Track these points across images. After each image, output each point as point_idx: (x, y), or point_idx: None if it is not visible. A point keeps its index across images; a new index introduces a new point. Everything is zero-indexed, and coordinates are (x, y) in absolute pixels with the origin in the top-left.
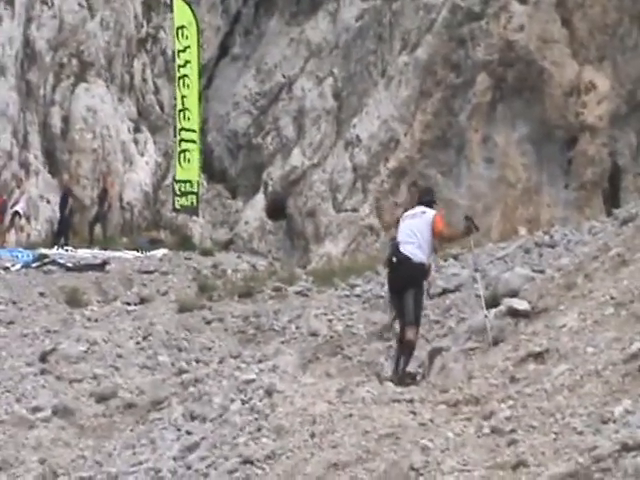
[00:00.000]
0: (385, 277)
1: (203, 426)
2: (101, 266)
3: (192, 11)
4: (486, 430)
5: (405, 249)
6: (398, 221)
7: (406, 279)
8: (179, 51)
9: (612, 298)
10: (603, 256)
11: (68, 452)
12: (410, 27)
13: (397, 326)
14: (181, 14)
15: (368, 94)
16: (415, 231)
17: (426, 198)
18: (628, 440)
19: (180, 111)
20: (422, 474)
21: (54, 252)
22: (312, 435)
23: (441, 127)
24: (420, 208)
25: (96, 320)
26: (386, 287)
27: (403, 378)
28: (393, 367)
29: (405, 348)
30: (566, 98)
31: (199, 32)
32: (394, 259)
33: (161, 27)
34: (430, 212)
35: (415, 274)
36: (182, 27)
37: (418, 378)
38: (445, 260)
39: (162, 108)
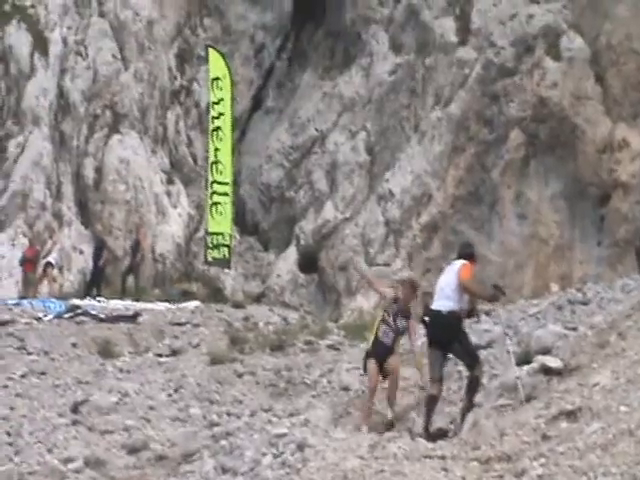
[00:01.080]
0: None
1: None
2: (133, 317)
3: (226, 63)
4: None
5: (435, 305)
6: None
7: (443, 333)
8: (213, 103)
9: None
10: (636, 314)
11: None
12: (443, 82)
13: (429, 383)
14: (216, 66)
15: (401, 149)
16: (444, 285)
17: (465, 251)
18: None
19: (213, 163)
20: None
21: (86, 303)
22: None
23: (474, 182)
24: (453, 265)
25: (128, 371)
26: (427, 346)
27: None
28: (424, 423)
29: (471, 385)
30: (599, 155)
31: (233, 84)
32: (426, 317)
33: (194, 79)
34: (460, 262)
35: (450, 325)
36: (217, 79)
37: (450, 434)
38: (476, 316)
39: (195, 160)
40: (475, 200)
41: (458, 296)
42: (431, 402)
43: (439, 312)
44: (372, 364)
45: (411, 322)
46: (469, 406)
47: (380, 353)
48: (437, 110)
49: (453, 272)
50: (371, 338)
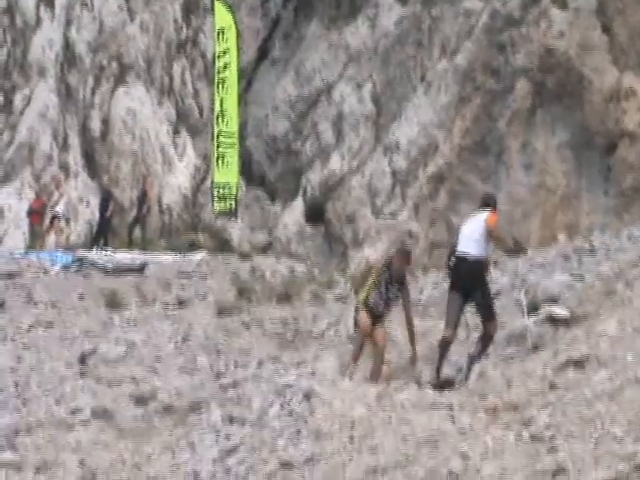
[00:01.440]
0: (447, 280)
1: (242, 429)
2: (140, 269)
3: (232, 14)
4: (525, 437)
5: (461, 250)
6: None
7: (469, 278)
8: (219, 54)
9: None
10: None
11: (107, 454)
12: (449, 33)
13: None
14: (221, 17)
15: (407, 99)
16: (469, 232)
17: (487, 202)
18: None
19: (219, 115)
20: (461, 479)
21: (93, 254)
22: (351, 439)
23: (480, 133)
24: (479, 212)
25: (135, 322)
26: (448, 290)
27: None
28: (436, 368)
29: (484, 339)
30: (606, 104)
31: (239, 35)
32: (452, 261)
33: (200, 30)
34: (484, 213)
35: (476, 271)
36: (222, 30)
37: (457, 384)
38: None
39: (201, 111)
40: (482, 150)
41: (484, 244)
42: (444, 346)
43: (465, 258)
44: (364, 314)
45: (405, 290)
46: (477, 358)
47: (371, 314)
48: (443, 61)
49: (480, 220)
50: (361, 296)
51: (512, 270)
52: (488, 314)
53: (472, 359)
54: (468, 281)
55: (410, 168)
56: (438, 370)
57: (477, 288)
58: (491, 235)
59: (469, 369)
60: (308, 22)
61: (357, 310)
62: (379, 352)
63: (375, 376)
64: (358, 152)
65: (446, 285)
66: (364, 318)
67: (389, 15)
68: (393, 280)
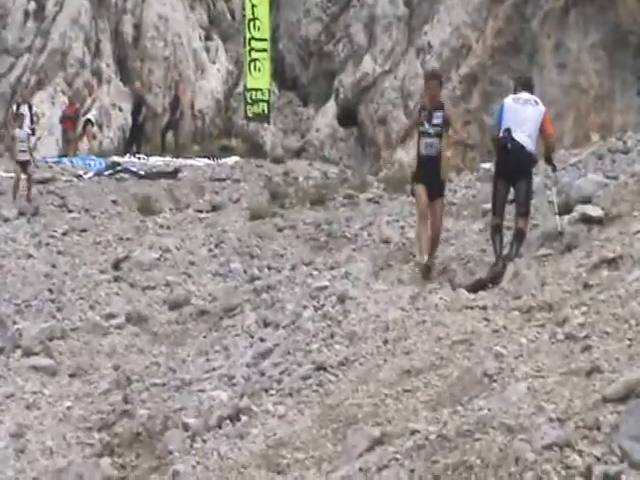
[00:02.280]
0: (494, 163)
1: (276, 333)
2: (173, 174)
3: None
4: (560, 336)
5: (519, 137)
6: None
7: (519, 167)
8: None
9: None
10: None
11: (142, 359)
12: None
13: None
14: None
15: (439, 1)
16: (526, 120)
17: (530, 84)
18: None
19: (250, 20)
20: (495, 380)
21: (126, 160)
22: (385, 341)
23: (513, 33)
24: (527, 95)
25: (168, 227)
26: (494, 178)
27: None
28: (499, 254)
29: (518, 236)
30: (639, 4)
31: None
32: (508, 146)
33: None
34: (541, 106)
35: (527, 163)
36: None
37: (491, 284)
38: None
39: (233, 16)
40: (514, 51)
41: (537, 140)
42: (496, 232)
43: (523, 146)
44: (420, 188)
45: (447, 110)
46: (512, 256)
47: (428, 171)
48: None
49: (537, 115)
50: (414, 158)
51: (545, 170)
52: (525, 210)
53: (506, 259)
54: (519, 169)
55: (443, 69)
56: (498, 257)
57: (523, 178)
58: (544, 138)
59: (503, 269)
60: None
61: (413, 179)
62: (436, 225)
63: (432, 245)
64: (390, 54)
65: (480, 185)
66: (420, 193)
67: None
68: (433, 110)
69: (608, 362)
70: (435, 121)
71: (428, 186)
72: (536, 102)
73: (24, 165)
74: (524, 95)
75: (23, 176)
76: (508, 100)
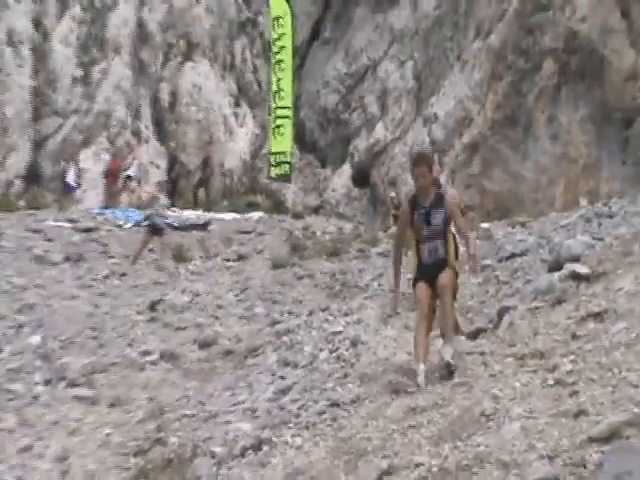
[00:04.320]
0: None
1: (295, 372)
2: (204, 226)
3: (288, 2)
4: (550, 382)
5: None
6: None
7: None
8: (275, 39)
9: None
10: None
11: (174, 392)
12: (483, 16)
13: None
14: (277, 6)
15: (445, 76)
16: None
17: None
18: None
19: (275, 92)
20: (492, 419)
21: (161, 213)
22: (393, 382)
23: (510, 107)
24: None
25: (199, 274)
26: None
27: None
28: None
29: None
30: (624, 83)
31: (294, 19)
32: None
33: (260, 12)
34: (449, 189)
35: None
36: (278, 17)
37: (487, 334)
38: (513, 227)
39: (260, 85)
40: (511, 123)
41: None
42: None
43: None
44: (421, 285)
45: (447, 203)
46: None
47: (434, 272)
48: (478, 41)
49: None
50: (413, 264)
51: (538, 231)
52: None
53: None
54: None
55: (447, 138)
56: None
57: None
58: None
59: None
60: (356, 6)
61: (415, 282)
62: (445, 303)
63: (446, 332)
64: (400, 123)
65: (479, 242)
66: (421, 291)
67: (430, 0)
68: (430, 205)
69: (593, 406)
70: (435, 222)
71: (432, 280)
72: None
73: None
74: None
75: None
76: None
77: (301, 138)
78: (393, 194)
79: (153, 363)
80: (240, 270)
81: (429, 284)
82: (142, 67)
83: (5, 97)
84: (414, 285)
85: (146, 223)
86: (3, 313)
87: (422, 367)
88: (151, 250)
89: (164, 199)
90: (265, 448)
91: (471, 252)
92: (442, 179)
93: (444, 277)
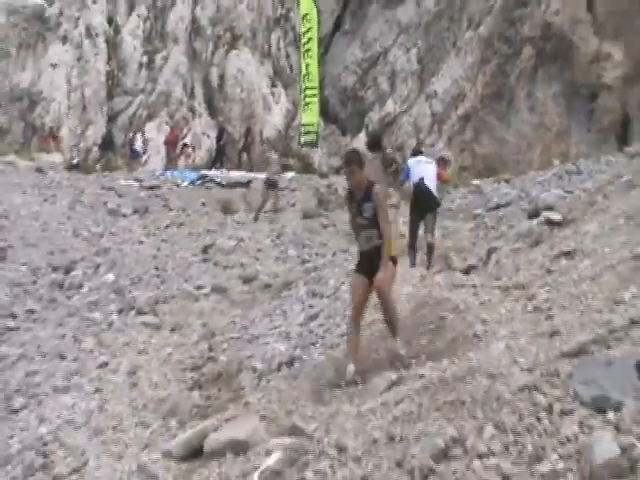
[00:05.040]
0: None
1: (321, 301)
2: (246, 184)
3: (314, 2)
4: (529, 308)
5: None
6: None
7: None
8: (304, 32)
9: (623, 212)
10: (616, 181)
11: (222, 319)
12: (474, 11)
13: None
14: (305, 4)
15: (443, 60)
16: (428, 173)
17: (419, 150)
18: (635, 317)
19: (304, 75)
20: (482, 339)
21: (212, 173)
22: (400, 310)
23: (496, 85)
24: (423, 157)
25: (242, 223)
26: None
27: (429, 267)
28: (412, 261)
29: (430, 247)
30: (589, 65)
31: (319, 15)
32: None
33: (291, 9)
34: (433, 162)
35: (433, 199)
36: (306, 14)
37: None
38: (499, 183)
39: (291, 69)
40: (497, 98)
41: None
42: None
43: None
44: (356, 278)
45: (374, 197)
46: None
47: (371, 264)
48: (470, 32)
49: (434, 168)
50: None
51: (519, 186)
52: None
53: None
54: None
55: (445, 110)
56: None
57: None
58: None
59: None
60: (369, 3)
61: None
62: (385, 300)
63: (393, 327)
64: (406, 99)
65: (471, 196)
66: (355, 283)
67: None
68: (361, 199)
69: (565, 327)
70: (366, 214)
71: (370, 272)
72: (428, 162)
73: None
74: (420, 157)
75: None
76: (410, 162)
77: (325, 112)
78: (389, 150)
79: (206, 295)
80: (276, 220)
81: (366, 276)
82: (195, 55)
83: (84, 80)
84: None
85: (199, 182)
86: (83, 255)
87: (351, 368)
88: (203, 204)
89: (276, 165)
90: (297, 364)
91: (383, 254)
92: (441, 144)
93: (379, 280)
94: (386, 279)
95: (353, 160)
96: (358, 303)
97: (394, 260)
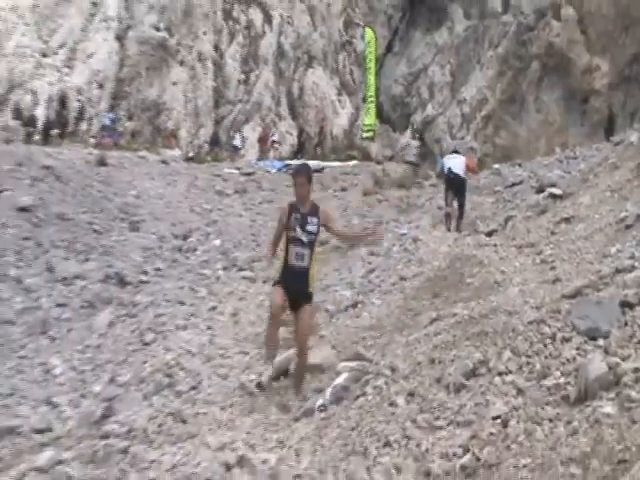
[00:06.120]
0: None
1: (377, 259)
2: (320, 170)
3: (373, 31)
4: (537, 261)
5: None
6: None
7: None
8: (366, 54)
9: (609, 187)
10: (604, 163)
11: None
12: (494, 35)
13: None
14: (368, 33)
15: (470, 74)
16: (458, 164)
17: (454, 150)
18: (619, 267)
19: (366, 87)
20: (501, 286)
21: (294, 162)
22: (441, 263)
23: (511, 92)
24: (453, 155)
25: (318, 200)
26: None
27: (459, 228)
28: (447, 227)
29: (460, 215)
30: (583, 75)
31: (376, 41)
32: (451, 176)
33: (353, 37)
34: (461, 157)
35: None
36: (369, 42)
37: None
38: (513, 167)
39: (354, 82)
40: (512, 102)
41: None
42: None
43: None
44: (277, 290)
45: (321, 213)
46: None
47: (294, 283)
48: (490, 51)
49: (462, 161)
50: (278, 266)
51: (529, 169)
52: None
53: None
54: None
55: (471, 112)
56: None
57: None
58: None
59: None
60: (414, 30)
61: (275, 284)
62: (304, 356)
63: (298, 379)
64: (442, 103)
65: (492, 177)
66: (277, 294)
67: (460, 25)
68: (308, 217)
69: (565, 276)
70: (310, 228)
71: (292, 295)
72: (455, 156)
73: None
74: (454, 155)
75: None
76: (445, 158)
77: (380, 114)
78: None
79: None
80: (342, 197)
81: (288, 296)
82: (281, 73)
83: (197, 94)
84: (274, 286)
85: (285, 169)
86: (197, 226)
87: (270, 369)
88: (287, 185)
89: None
90: (359, 306)
91: (352, 233)
92: (468, 137)
93: (305, 328)
94: (309, 329)
95: (303, 172)
96: (276, 310)
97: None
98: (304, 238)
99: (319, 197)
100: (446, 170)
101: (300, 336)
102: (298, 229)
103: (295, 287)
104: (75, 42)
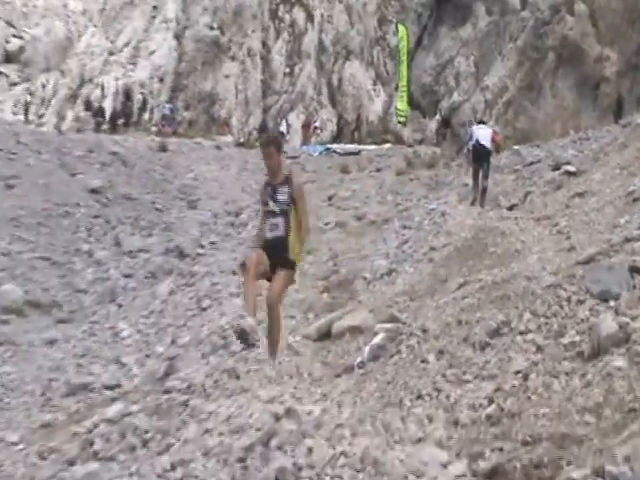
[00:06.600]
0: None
1: (410, 232)
2: (358, 153)
3: (405, 28)
4: (554, 232)
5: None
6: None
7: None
8: (399, 48)
9: (618, 164)
10: (614, 143)
11: (342, 245)
12: (514, 29)
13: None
14: (401, 29)
15: (492, 64)
16: (486, 135)
17: (481, 120)
18: (628, 236)
19: (398, 77)
20: (521, 254)
21: (334, 145)
22: (466, 234)
23: (530, 80)
24: (482, 125)
25: (355, 180)
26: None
27: (482, 204)
28: (473, 198)
29: (484, 189)
30: (594, 64)
31: (408, 36)
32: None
33: (387, 32)
34: (488, 129)
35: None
36: (402, 36)
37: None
38: (532, 147)
39: (387, 73)
40: (530, 89)
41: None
42: (483, 190)
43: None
44: (257, 250)
45: (293, 184)
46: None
47: (274, 252)
48: (510, 43)
49: (489, 133)
50: (257, 237)
51: (546, 149)
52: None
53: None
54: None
55: (494, 98)
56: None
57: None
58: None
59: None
60: (441, 27)
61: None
62: (274, 317)
63: (273, 350)
64: (467, 91)
65: (512, 157)
66: (256, 255)
67: (483, 21)
68: (278, 185)
69: (579, 244)
70: (280, 197)
71: (273, 261)
72: (484, 128)
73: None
74: (480, 125)
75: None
76: (474, 127)
77: (411, 102)
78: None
79: (330, 229)
80: (378, 176)
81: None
82: (322, 65)
83: (246, 86)
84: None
85: (325, 153)
86: (248, 204)
87: (251, 320)
88: (329, 167)
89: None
90: (394, 274)
91: (301, 241)
92: (490, 122)
93: (271, 290)
94: (279, 290)
95: (272, 142)
96: (251, 266)
97: (292, 266)
98: (276, 209)
99: (356, 177)
100: (474, 141)
101: (267, 298)
102: (270, 202)
103: (274, 254)
104: (138, 41)
